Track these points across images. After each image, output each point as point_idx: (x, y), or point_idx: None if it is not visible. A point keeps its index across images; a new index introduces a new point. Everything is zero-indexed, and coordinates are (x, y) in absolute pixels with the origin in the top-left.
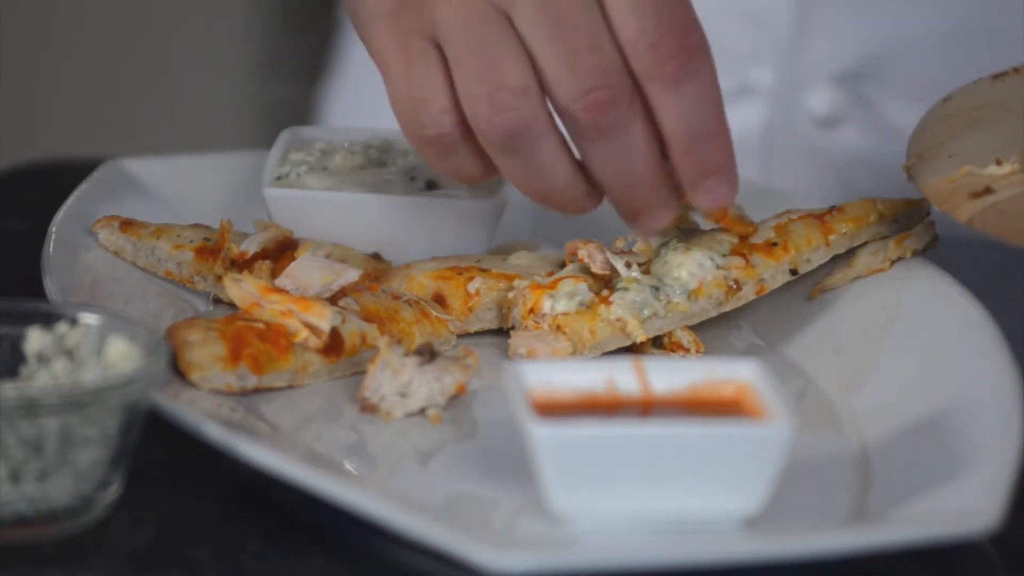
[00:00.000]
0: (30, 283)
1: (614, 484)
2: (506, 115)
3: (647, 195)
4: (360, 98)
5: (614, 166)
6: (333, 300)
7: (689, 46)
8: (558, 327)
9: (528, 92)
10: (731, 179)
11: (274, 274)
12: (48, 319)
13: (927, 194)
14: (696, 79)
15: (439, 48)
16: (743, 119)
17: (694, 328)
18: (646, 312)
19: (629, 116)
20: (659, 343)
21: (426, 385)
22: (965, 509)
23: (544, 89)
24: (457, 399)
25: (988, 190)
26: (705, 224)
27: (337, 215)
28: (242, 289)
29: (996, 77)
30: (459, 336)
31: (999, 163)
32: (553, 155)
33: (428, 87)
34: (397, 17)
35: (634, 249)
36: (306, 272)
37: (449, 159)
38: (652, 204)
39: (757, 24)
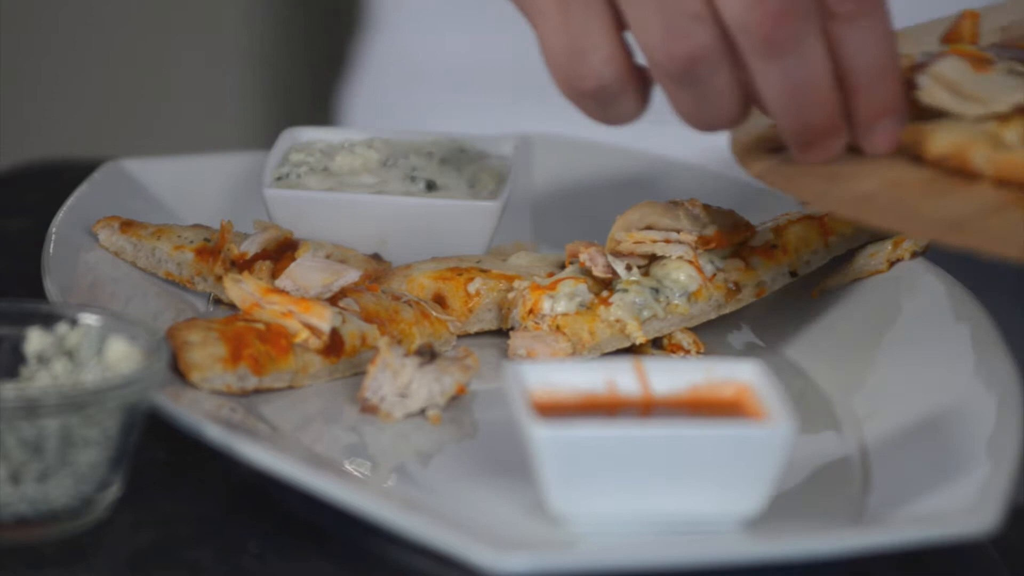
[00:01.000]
0: (30, 284)
1: (614, 485)
2: (684, 43)
3: (822, 119)
4: (379, 96)
5: (787, 85)
6: (333, 301)
7: None
8: (557, 328)
9: (705, 18)
10: (901, 122)
11: (274, 275)
12: (48, 320)
13: (734, 151)
14: (875, 15)
15: None
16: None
17: (693, 328)
18: (645, 314)
19: (805, 32)
20: (659, 344)
21: (426, 386)
22: (965, 509)
23: (718, 13)
24: (457, 399)
25: (785, 147)
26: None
27: (337, 216)
28: (242, 290)
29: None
30: (459, 337)
31: None
32: (728, 85)
33: (590, 36)
34: None
35: None
36: (306, 273)
37: (608, 108)
38: (827, 131)
39: None
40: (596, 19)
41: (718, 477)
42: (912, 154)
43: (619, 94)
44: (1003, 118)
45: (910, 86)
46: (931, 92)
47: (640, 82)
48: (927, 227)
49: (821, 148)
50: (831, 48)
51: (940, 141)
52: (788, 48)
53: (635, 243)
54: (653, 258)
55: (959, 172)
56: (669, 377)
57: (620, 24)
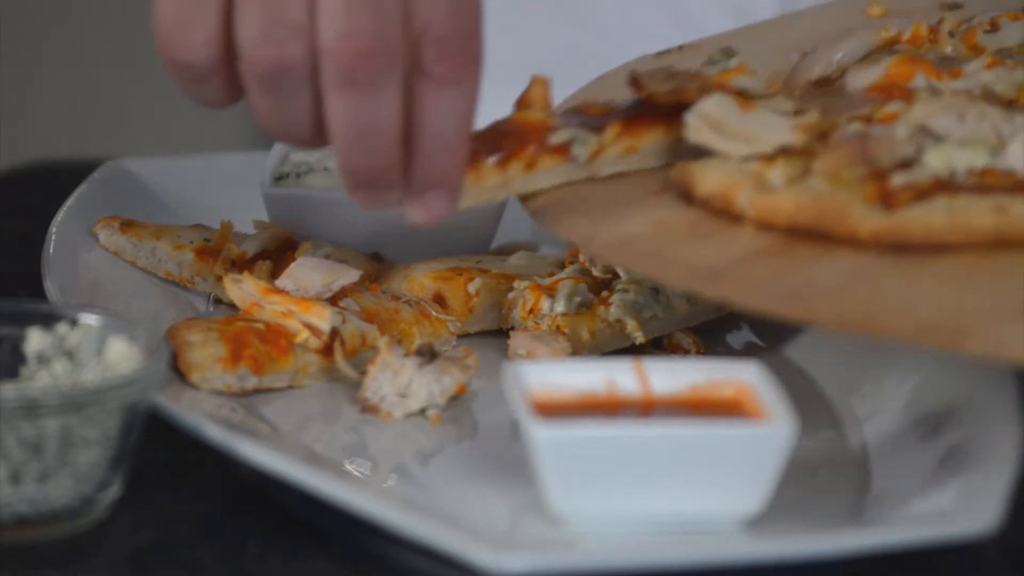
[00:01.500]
0: (31, 284)
1: (614, 485)
2: (275, 49)
3: (376, 167)
4: None
5: (351, 123)
6: (333, 301)
7: (471, 53)
8: (557, 328)
9: (302, 31)
10: (452, 201)
11: (274, 275)
12: (48, 320)
13: None
14: (462, 88)
15: None
16: None
17: (693, 328)
18: (646, 314)
19: (385, 77)
20: (659, 344)
21: (426, 386)
22: (965, 509)
23: (315, 32)
24: (457, 399)
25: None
26: None
27: (337, 216)
28: (242, 290)
29: (659, 55)
30: (459, 336)
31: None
32: (308, 103)
33: (197, 11)
34: None
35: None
36: (306, 273)
37: (195, 87)
38: (380, 180)
39: (739, 14)
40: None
41: (718, 477)
42: (683, 193)
43: (207, 78)
44: (767, 158)
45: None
46: (697, 130)
47: (228, 72)
48: (685, 276)
49: (372, 195)
50: (410, 102)
51: (707, 181)
52: (363, 87)
53: None
54: None
55: (725, 214)
56: (669, 377)
57: (228, 9)
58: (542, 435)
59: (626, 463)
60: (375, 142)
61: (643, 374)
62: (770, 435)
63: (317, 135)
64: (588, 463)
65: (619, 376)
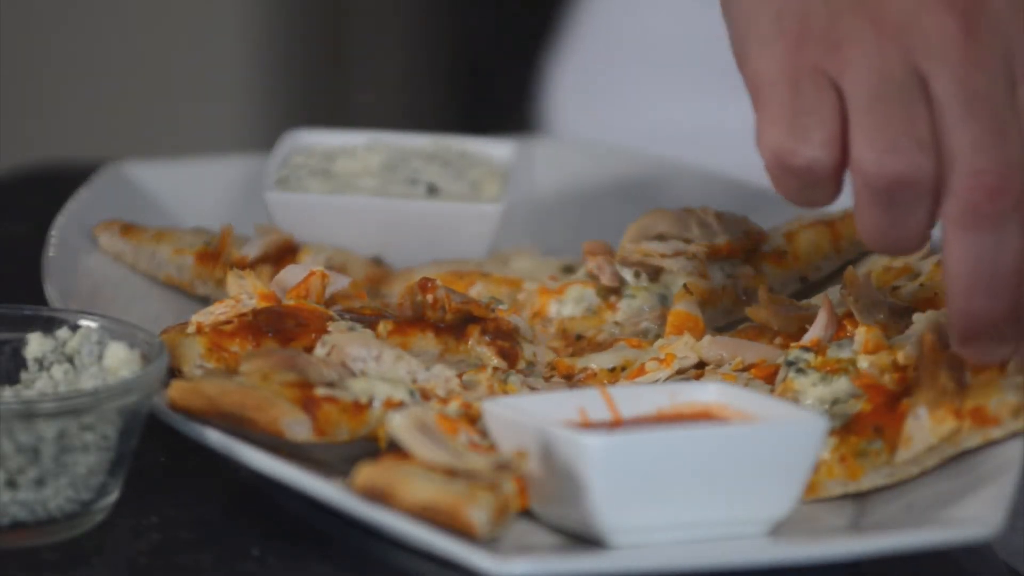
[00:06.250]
0: (31, 288)
1: (664, 493)
2: (902, 162)
3: (993, 313)
4: (588, 75)
5: (974, 259)
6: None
7: None
8: (563, 331)
9: (930, 149)
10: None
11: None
12: (48, 324)
13: None
14: None
15: (836, 88)
16: None
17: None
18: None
19: (1012, 216)
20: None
21: None
22: (969, 513)
23: (943, 152)
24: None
25: None
26: None
27: (338, 219)
28: (243, 287)
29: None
30: None
31: None
32: (922, 220)
33: (816, 115)
34: (798, 46)
35: None
36: (295, 279)
37: (804, 191)
38: (995, 329)
39: None
40: (825, 103)
41: (756, 477)
42: None
43: (822, 183)
44: None
45: None
46: None
47: (841, 175)
48: None
49: (983, 347)
50: None
51: None
52: (986, 226)
53: (644, 255)
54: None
55: None
56: (636, 403)
57: (843, 118)
58: (595, 444)
59: (677, 468)
60: (992, 284)
61: (611, 401)
62: (805, 430)
63: (922, 245)
64: (642, 470)
65: (588, 404)
